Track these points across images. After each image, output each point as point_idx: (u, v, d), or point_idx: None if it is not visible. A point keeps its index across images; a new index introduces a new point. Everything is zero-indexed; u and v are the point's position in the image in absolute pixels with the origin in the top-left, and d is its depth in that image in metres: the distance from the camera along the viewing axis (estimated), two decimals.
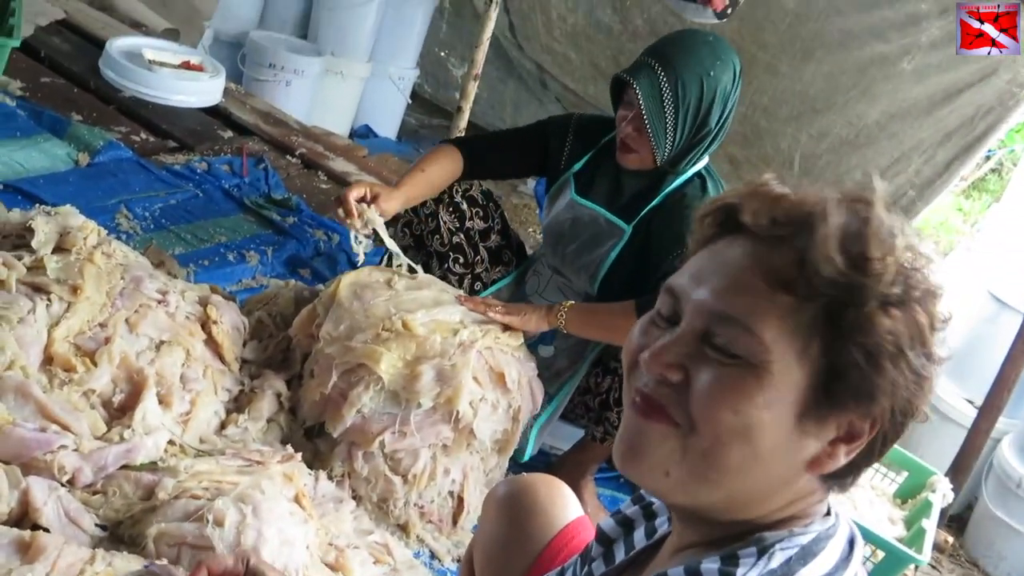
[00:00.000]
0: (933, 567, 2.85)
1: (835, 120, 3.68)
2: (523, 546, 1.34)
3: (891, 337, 0.75)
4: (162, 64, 3.52)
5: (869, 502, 2.47)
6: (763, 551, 0.77)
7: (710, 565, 0.77)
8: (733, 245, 0.81)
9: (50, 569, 1.34)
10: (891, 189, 3.48)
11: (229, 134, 3.50)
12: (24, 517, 1.48)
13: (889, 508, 2.52)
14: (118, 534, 1.57)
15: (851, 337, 0.75)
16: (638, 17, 4.23)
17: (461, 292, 2.20)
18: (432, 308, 2.03)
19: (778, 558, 0.77)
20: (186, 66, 3.60)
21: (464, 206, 2.39)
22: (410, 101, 5.09)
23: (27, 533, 1.39)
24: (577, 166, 2.29)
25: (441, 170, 2.30)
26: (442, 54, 5.34)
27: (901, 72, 3.45)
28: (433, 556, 1.99)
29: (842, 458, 0.78)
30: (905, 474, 2.66)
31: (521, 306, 2.16)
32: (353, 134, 4.81)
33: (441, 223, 2.37)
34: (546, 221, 2.38)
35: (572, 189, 2.28)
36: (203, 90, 3.59)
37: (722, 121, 2.12)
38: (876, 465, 2.74)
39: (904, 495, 2.64)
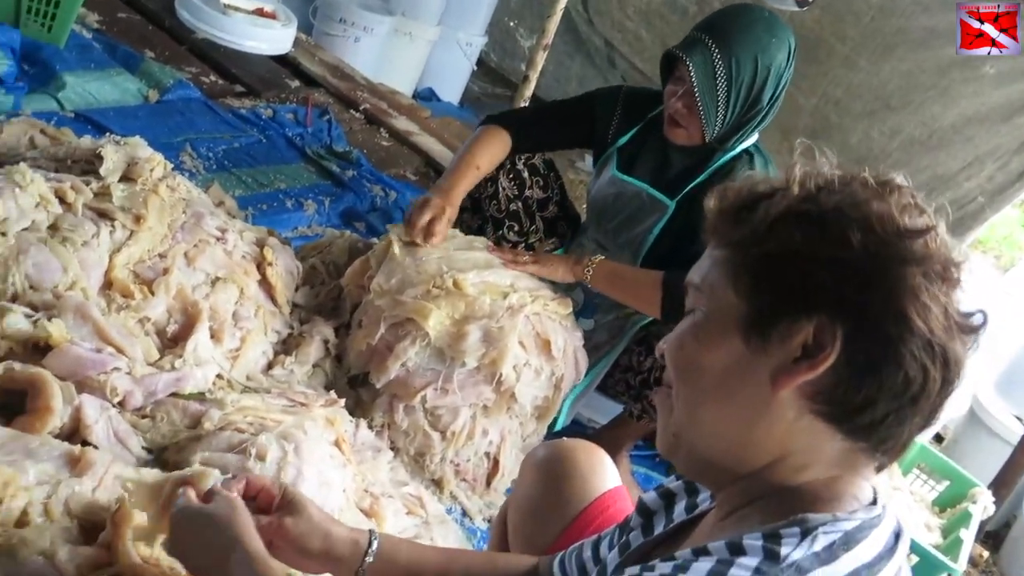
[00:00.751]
0: None
1: (909, 119, 3.59)
2: (558, 510, 1.34)
3: (784, 243, 0.81)
4: (236, 9, 3.55)
5: (907, 507, 2.43)
6: (806, 532, 0.76)
7: (753, 542, 0.76)
8: None
9: (97, 484, 1.37)
10: (960, 193, 3.42)
11: (296, 84, 3.53)
12: (75, 433, 1.51)
13: (927, 515, 2.48)
14: (163, 459, 1.60)
15: (755, 255, 0.83)
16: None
17: (490, 243, 2.17)
18: (484, 269, 2.03)
19: (821, 541, 0.76)
20: (259, 13, 3.64)
21: (525, 174, 2.37)
22: (475, 68, 5.07)
23: (77, 448, 1.42)
24: (622, 140, 2.26)
25: (491, 159, 2.28)
26: (511, 24, 5.31)
27: (983, 76, 3.36)
28: (464, 513, 2.00)
29: (806, 370, 0.79)
30: (946, 483, 2.61)
31: (550, 257, 2.15)
32: (416, 96, 4.81)
33: (500, 189, 2.36)
34: (590, 195, 2.36)
35: (615, 164, 2.25)
36: (275, 38, 3.62)
37: (774, 99, 2.08)
38: (916, 471, 2.70)
39: (943, 504, 2.60)
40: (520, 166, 2.36)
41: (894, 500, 2.40)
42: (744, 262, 0.84)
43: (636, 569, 0.79)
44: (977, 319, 0.81)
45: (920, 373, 0.78)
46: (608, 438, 2.25)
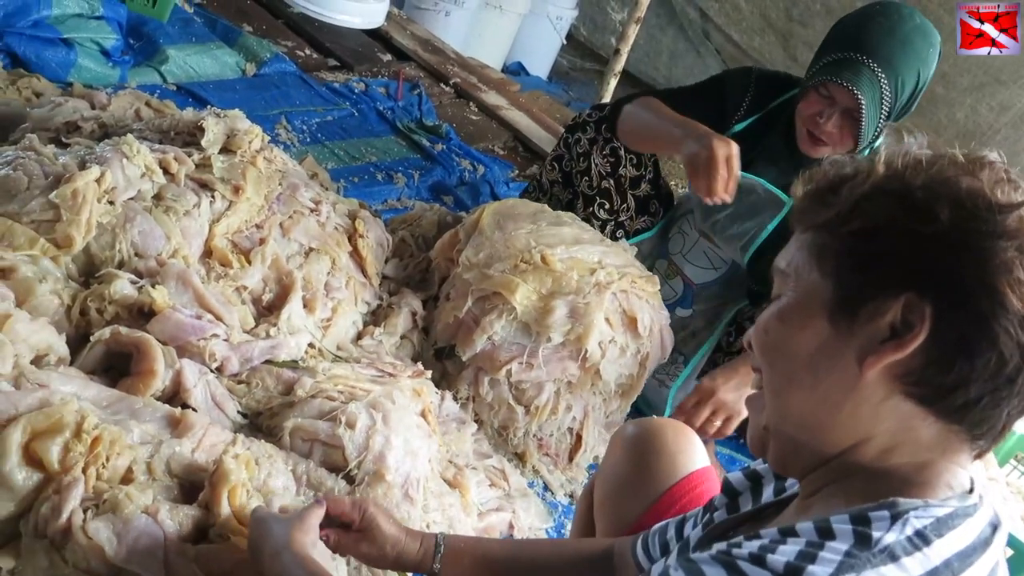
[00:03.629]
0: None
1: (1020, 93, 3.43)
2: (645, 486, 1.34)
3: (869, 221, 0.80)
4: None
5: (1003, 498, 2.34)
6: (896, 516, 0.74)
7: (842, 525, 0.74)
8: None
9: (196, 445, 1.42)
10: None
11: (388, 58, 3.57)
12: (175, 396, 1.57)
13: (1023, 506, 2.39)
14: (257, 423, 1.65)
15: (840, 234, 0.82)
16: None
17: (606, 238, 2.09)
18: (572, 245, 2.02)
19: (912, 526, 0.74)
20: None
21: (621, 151, 2.30)
22: (565, 42, 5.03)
23: (177, 410, 1.48)
24: (739, 127, 2.17)
25: None
26: None
27: None
28: (546, 488, 2.02)
29: (894, 351, 0.77)
30: None
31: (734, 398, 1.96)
32: (505, 70, 4.81)
33: (593, 165, 2.32)
34: None
35: None
36: (367, 12, 3.66)
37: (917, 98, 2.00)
38: (1013, 462, 2.60)
39: None
40: (616, 143, 2.32)
41: (989, 491, 2.31)
42: (829, 242, 0.83)
43: (723, 545, 0.78)
44: None
45: (1016, 352, 0.75)
46: None
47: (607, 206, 2.34)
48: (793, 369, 0.84)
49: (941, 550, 0.74)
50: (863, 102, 1.88)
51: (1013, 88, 3.49)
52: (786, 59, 4.30)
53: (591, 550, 1.28)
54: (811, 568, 0.70)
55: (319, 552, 1.19)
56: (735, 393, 1.95)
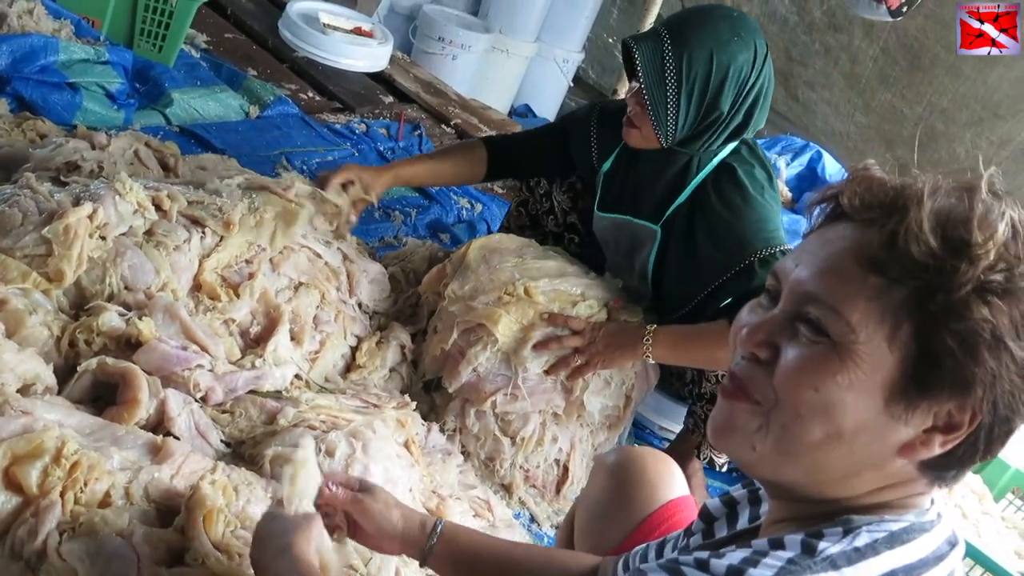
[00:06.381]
0: None
1: (1019, 128, 3.45)
2: (624, 514, 1.36)
3: (988, 325, 0.72)
4: (335, 28, 3.70)
5: (996, 532, 2.31)
6: (849, 531, 0.76)
7: (793, 536, 0.77)
8: (835, 229, 0.82)
9: (175, 472, 1.46)
10: None
11: (390, 99, 3.64)
12: (159, 424, 1.61)
13: (1018, 542, 2.35)
14: (239, 452, 1.68)
15: (943, 323, 0.73)
16: (816, 8, 4.09)
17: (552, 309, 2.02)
18: (556, 278, 2.05)
19: (863, 539, 0.76)
20: (357, 31, 3.78)
21: (579, 185, 2.32)
22: (572, 84, 5.11)
23: (159, 438, 1.52)
24: (606, 166, 2.15)
25: (455, 167, 2.29)
26: (610, 40, 5.33)
27: None
28: (532, 519, 2.02)
29: (936, 448, 0.76)
30: None
31: (611, 337, 1.98)
32: (512, 112, 4.89)
33: (555, 203, 2.35)
34: (594, 225, 2.23)
35: (598, 197, 2.16)
36: (371, 55, 3.74)
37: (738, 106, 1.87)
38: (1010, 496, 2.57)
39: None
40: (574, 178, 2.32)
41: (983, 525, 2.29)
42: (914, 321, 0.75)
43: (679, 555, 0.80)
44: None
45: (1009, 433, 0.78)
46: (676, 454, 2.23)
47: (576, 240, 2.36)
48: (830, 433, 0.78)
49: (886, 561, 0.75)
50: (638, 60, 1.84)
51: (1012, 122, 3.52)
52: (787, 98, 4.34)
53: (578, 566, 1.29)
54: (751, 571, 0.72)
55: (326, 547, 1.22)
56: (616, 354, 1.95)
